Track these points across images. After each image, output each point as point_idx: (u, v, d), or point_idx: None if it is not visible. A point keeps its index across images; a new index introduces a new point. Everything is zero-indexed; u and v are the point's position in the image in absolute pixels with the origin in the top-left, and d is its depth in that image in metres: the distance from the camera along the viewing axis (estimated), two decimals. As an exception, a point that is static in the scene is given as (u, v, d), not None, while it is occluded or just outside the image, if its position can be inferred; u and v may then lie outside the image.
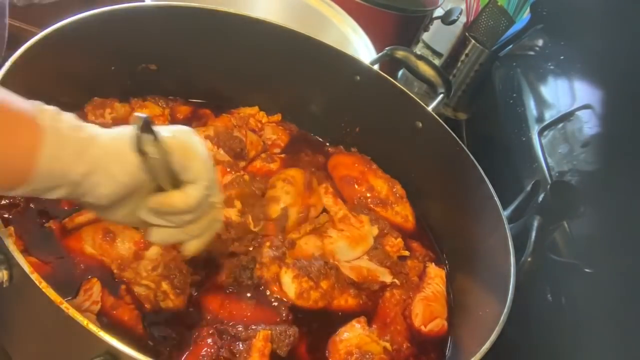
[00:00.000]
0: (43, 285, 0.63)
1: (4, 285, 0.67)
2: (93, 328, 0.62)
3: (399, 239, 1.09)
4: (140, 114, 0.63)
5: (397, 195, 1.20)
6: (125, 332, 0.80)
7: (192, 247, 0.76)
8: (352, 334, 0.90)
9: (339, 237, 1.05)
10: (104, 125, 1.04)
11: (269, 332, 0.84)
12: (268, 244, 0.97)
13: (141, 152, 0.64)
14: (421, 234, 1.20)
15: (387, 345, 0.91)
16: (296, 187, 1.08)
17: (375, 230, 1.10)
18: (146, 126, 0.63)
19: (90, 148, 0.62)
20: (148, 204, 0.68)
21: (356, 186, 1.19)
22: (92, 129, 0.64)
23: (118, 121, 1.10)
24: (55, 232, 0.88)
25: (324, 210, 1.11)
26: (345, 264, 1.01)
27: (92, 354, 0.62)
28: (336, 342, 0.90)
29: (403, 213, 1.18)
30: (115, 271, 0.86)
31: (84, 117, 1.08)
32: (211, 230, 0.77)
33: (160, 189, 0.69)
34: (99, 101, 1.10)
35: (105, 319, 0.80)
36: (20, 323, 0.77)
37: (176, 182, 0.69)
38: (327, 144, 1.34)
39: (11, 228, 0.79)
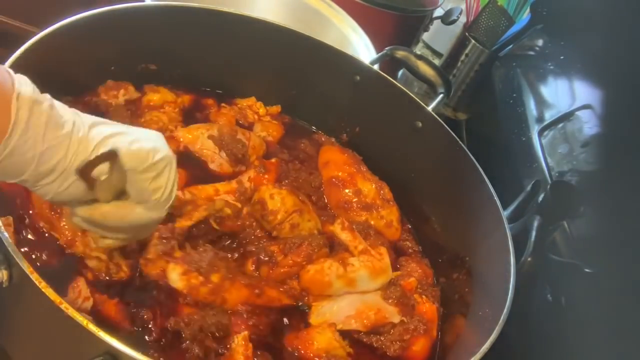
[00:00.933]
0: (43, 285, 0.63)
1: (4, 285, 0.67)
2: (93, 328, 0.62)
3: (413, 279, 1.06)
4: (105, 150, 0.65)
5: (384, 198, 1.18)
6: (113, 327, 0.81)
7: (108, 243, 0.78)
8: (323, 337, 0.91)
9: (361, 266, 1.00)
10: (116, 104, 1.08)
11: (247, 333, 0.85)
12: (155, 237, 0.89)
13: (89, 177, 0.66)
14: (407, 246, 1.18)
15: (351, 351, 0.93)
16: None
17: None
18: (108, 157, 0.66)
19: (59, 149, 0.63)
20: (83, 212, 0.70)
21: (343, 189, 1.17)
22: (69, 126, 0.64)
23: (130, 104, 1.13)
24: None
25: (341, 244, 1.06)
26: (349, 315, 0.96)
27: (92, 354, 0.62)
28: (306, 343, 0.91)
29: (388, 218, 1.16)
30: (64, 247, 0.85)
31: (96, 96, 1.09)
32: (136, 236, 0.80)
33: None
34: (112, 83, 1.12)
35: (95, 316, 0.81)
36: (20, 323, 0.77)
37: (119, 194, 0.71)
38: (320, 132, 1.34)
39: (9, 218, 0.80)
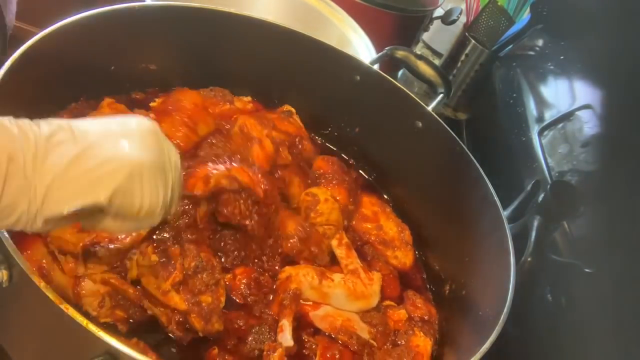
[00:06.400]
0: (43, 285, 0.63)
1: (4, 285, 0.67)
2: (93, 328, 0.62)
3: (402, 311, 1.02)
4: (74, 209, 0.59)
5: (404, 240, 1.18)
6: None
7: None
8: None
9: (339, 284, 0.99)
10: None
11: (282, 351, 0.83)
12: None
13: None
14: (415, 271, 1.17)
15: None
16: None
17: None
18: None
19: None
20: (85, 224, 0.66)
21: (365, 223, 1.18)
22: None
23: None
24: None
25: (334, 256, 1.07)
26: (317, 314, 0.96)
27: (92, 354, 0.62)
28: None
29: (402, 260, 1.16)
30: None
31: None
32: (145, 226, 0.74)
33: None
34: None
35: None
36: (20, 323, 0.77)
37: None
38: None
39: None
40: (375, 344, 0.95)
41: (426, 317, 1.03)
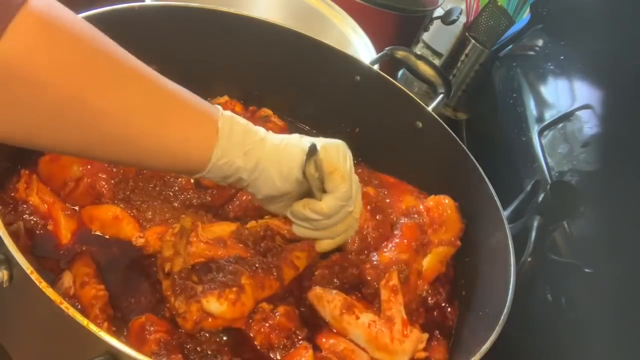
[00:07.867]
0: (43, 285, 0.63)
1: (4, 285, 0.67)
2: (93, 328, 0.62)
3: None
4: (312, 140, 0.78)
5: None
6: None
7: (324, 246, 0.89)
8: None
9: (362, 325, 0.86)
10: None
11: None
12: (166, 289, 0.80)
13: (304, 172, 0.77)
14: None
15: None
16: None
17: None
18: (312, 151, 0.76)
19: (257, 150, 0.75)
20: (292, 207, 0.82)
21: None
22: (262, 134, 0.78)
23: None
24: None
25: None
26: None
27: (92, 354, 0.62)
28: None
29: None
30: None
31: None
32: (345, 235, 0.90)
33: (310, 194, 0.80)
34: None
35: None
36: (20, 323, 0.77)
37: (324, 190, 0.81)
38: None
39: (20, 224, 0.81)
40: None
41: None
